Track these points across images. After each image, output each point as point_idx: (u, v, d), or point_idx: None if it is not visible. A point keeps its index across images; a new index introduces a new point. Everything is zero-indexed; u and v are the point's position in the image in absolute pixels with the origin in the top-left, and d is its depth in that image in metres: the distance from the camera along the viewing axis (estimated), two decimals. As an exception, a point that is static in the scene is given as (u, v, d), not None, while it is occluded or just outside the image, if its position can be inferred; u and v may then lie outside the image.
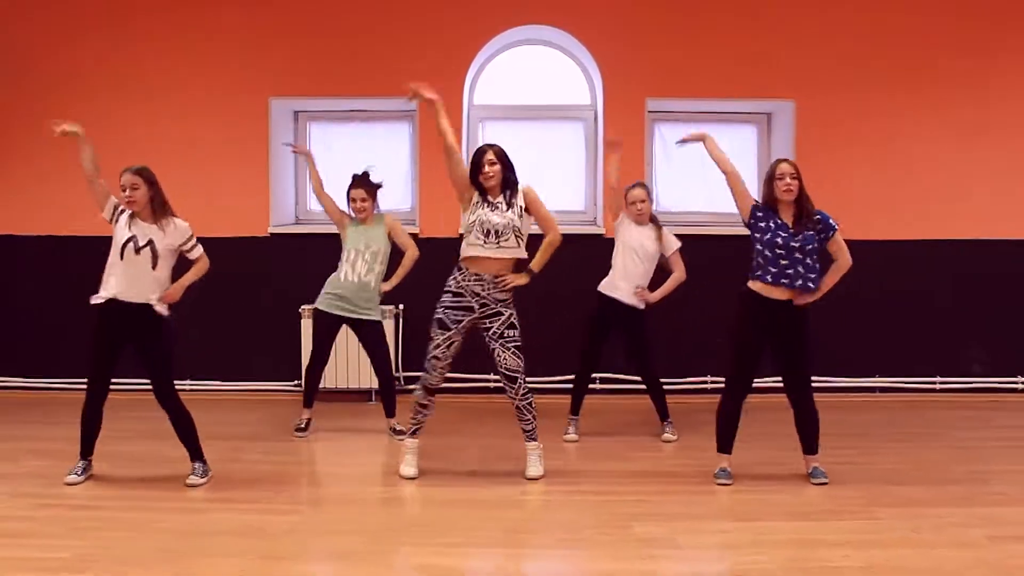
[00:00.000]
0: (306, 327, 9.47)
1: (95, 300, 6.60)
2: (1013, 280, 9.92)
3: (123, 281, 6.53)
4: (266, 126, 9.84)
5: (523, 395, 6.94)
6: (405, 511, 6.31)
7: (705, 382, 9.77)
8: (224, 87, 9.86)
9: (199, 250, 6.82)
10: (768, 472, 7.04)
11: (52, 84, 9.87)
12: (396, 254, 8.22)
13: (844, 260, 6.81)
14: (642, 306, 8.06)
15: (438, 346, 6.81)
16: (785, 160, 6.83)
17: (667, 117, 10.25)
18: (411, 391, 9.05)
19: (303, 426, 8.29)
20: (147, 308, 6.56)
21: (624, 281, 8.03)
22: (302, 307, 9.48)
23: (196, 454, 6.82)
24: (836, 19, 9.83)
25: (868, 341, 9.87)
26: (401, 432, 8.03)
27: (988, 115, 9.88)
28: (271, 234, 9.78)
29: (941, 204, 9.84)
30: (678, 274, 8.10)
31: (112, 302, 6.54)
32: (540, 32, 10.05)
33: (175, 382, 6.79)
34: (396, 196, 9.78)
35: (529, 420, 7.01)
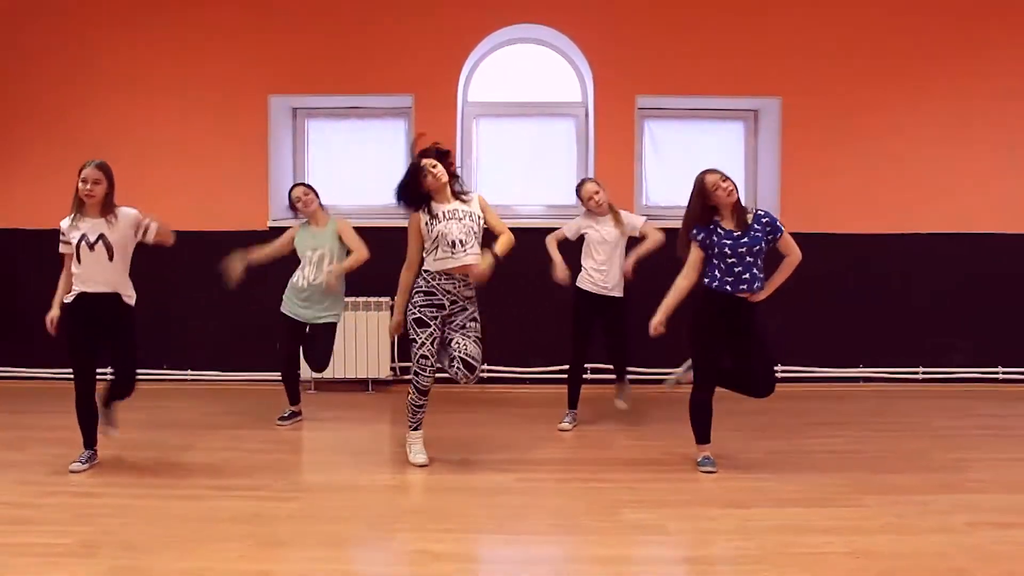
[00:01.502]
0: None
1: (66, 300, 6.64)
2: (993, 273, 9.95)
3: (87, 277, 6.57)
4: (265, 123, 9.85)
5: (476, 381, 6.97)
6: (401, 498, 6.30)
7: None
8: (224, 85, 9.87)
9: (155, 225, 6.72)
10: (754, 460, 7.04)
11: (55, 81, 9.90)
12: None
13: (795, 256, 6.73)
14: (621, 294, 8.07)
15: (423, 344, 6.78)
16: (710, 171, 6.73)
17: (656, 114, 10.26)
18: (408, 381, 9.10)
19: (286, 415, 8.34)
20: (115, 297, 6.61)
21: (598, 274, 8.03)
22: (300, 299, 9.50)
23: (110, 405, 6.93)
24: (822, 18, 9.85)
25: (852, 333, 9.89)
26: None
27: (971, 112, 9.90)
28: (270, 228, 9.75)
29: (924, 199, 9.86)
30: (654, 238, 8.07)
31: (81, 297, 6.58)
32: (533, 31, 10.05)
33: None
34: (387, 191, 9.77)
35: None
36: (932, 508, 5.94)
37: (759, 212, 6.73)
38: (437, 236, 6.72)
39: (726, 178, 6.64)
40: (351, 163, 10.19)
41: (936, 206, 9.88)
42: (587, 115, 10.16)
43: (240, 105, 9.84)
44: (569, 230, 8.21)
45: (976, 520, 5.70)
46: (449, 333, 6.84)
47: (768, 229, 6.66)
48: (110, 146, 9.77)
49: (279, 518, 5.79)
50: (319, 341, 8.21)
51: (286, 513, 5.89)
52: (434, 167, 6.73)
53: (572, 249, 8.20)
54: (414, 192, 6.78)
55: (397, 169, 9.45)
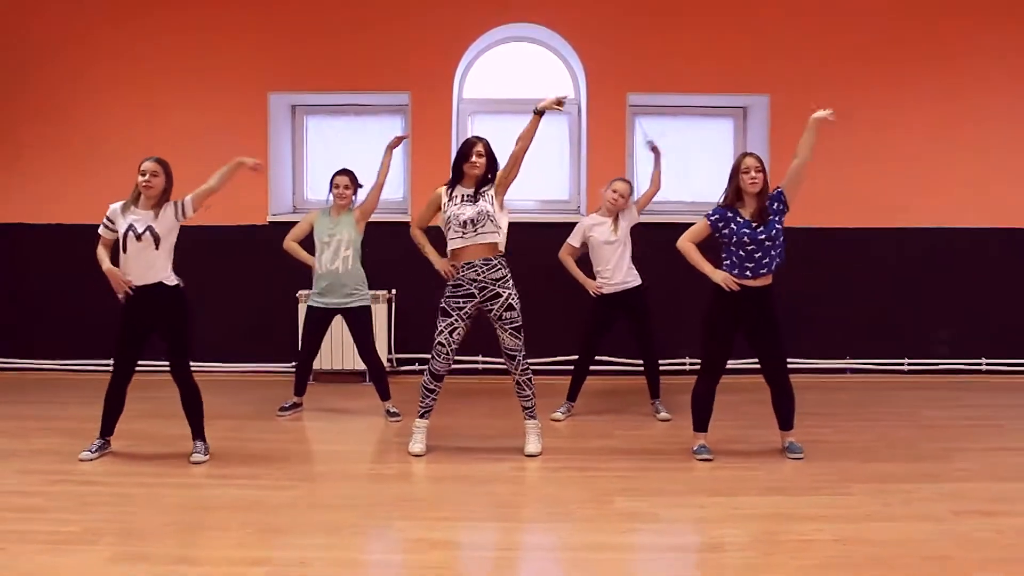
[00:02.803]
0: (303, 311, 9.47)
1: (127, 287, 6.62)
2: (978, 267, 9.94)
3: (133, 269, 6.56)
4: (265, 119, 9.83)
5: (522, 371, 7.00)
6: (398, 487, 6.30)
7: (684, 364, 9.79)
8: (225, 82, 9.84)
9: (188, 198, 6.76)
10: (744, 449, 7.06)
11: (58, 79, 9.88)
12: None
13: (803, 154, 6.77)
14: (639, 282, 8.11)
15: (441, 332, 6.84)
16: (750, 154, 6.79)
17: (647, 111, 10.24)
18: (404, 372, 9.10)
19: (287, 405, 8.32)
20: (161, 286, 6.61)
21: (610, 274, 8.06)
22: (299, 292, 9.48)
23: (199, 432, 6.83)
24: (810, 16, 9.83)
25: (839, 325, 9.90)
26: (396, 414, 8.08)
27: (957, 110, 9.88)
28: (270, 222, 9.77)
29: (910, 194, 9.85)
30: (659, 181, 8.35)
31: (134, 289, 6.59)
32: (526, 30, 10.03)
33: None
34: (389, 186, 9.76)
35: (528, 396, 7.06)
36: (918, 496, 5.95)
37: (770, 195, 6.73)
38: (449, 218, 6.82)
39: (760, 168, 6.66)
40: (349, 159, 10.13)
41: (922, 201, 9.87)
42: (579, 112, 10.14)
43: (240, 102, 9.81)
44: (575, 239, 8.24)
45: (961, 508, 5.71)
46: (492, 323, 6.90)
47: (776, 206, 6.68)
48: (110, 143, 9.78)
49: (278, 506, 5.79)
50: (359, 330, 8.17)
51: (285, 501, 5.89)
52: (480, 156, 6.90)
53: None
54: (456, 165, 7.01)
55: (393, 164, 9.47)
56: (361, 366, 9.25)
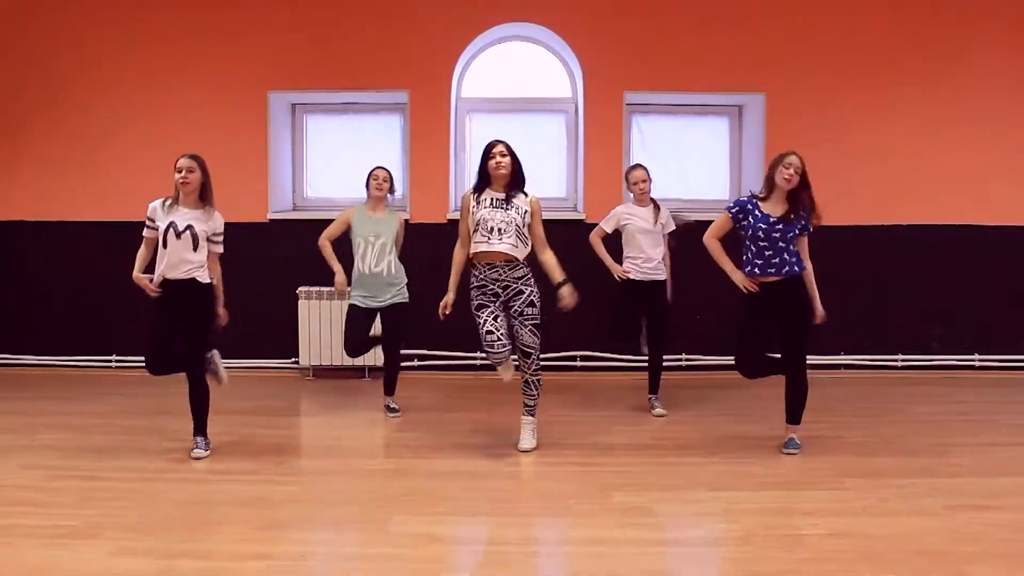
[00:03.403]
0: (303, 308, 9.49)
1: (154, 289, 6.70)
2: (971, 263, 9.95)
3: (169, 264, 6.65)
4: (265, 118, 9.82)
5: (534, 370, 6.95)
6: (397, 482, 6.29)
7: (680, 360, 9.80)
8: (225, 82, 9.83)
9: (221, 247, 6.95)
10: (741, 445, 7.06)
11: (57, 79, 9.87)
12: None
13: (806, 265, 6.87)
14: (665, 276, 8.12)
15: (485, 322, 6.71)
16: (795, 153, 6.72)
17: (644, 109, 10.24)
18: (403, 368, 9.09)
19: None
20: (192, 281, 6.70)
21: (643, 263, 8.06)
22: (299, 288, 9.49)
23: (201, 428, 6.83)
24: (806, 15, 9.82)
25: (834, 321, 9.84)
26: (395, 410, 8.11)
27: (952, 108, 9.88)
28: (270, 220, 9.77)
29: (904, 191, 9.86)
30: (668, 251, 8.23)
31: (164, 284, 6.67)
32: (524, 29, 10.02)
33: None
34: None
35: (533, 396, 7.05)
36: (912, 491, 5.95)
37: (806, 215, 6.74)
38: (479, 221, 6.77)
39: (800, 170, 6.66)
40: (348, 158, 10.15)
41: (916, 198, 9.88)
42: (577, 111, 10.14)
43: (240, 101, 9.80)
44: (608, 224, 8.23)
45: (954, 503, 5.72)
46: (511, 319, 6.84)
47: (804, 223, 6.72)
48: (111, 142, 9.80)
49: (279, 501, 5.79)
50: (395, 325, 8.12)
51: (286, 496, 5.89)
52: (503, 155, 6.83)
53: (584, 237, 8.36)
54: (480, 169, 6.91)
55: (392, 163, 9.47)
56: (360, 361, 9.25)
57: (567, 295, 6.76)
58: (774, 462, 6.64)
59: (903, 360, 10.01)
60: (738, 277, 6.73)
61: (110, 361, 9.84)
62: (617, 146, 9.79)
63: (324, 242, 8.13)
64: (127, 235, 9.38)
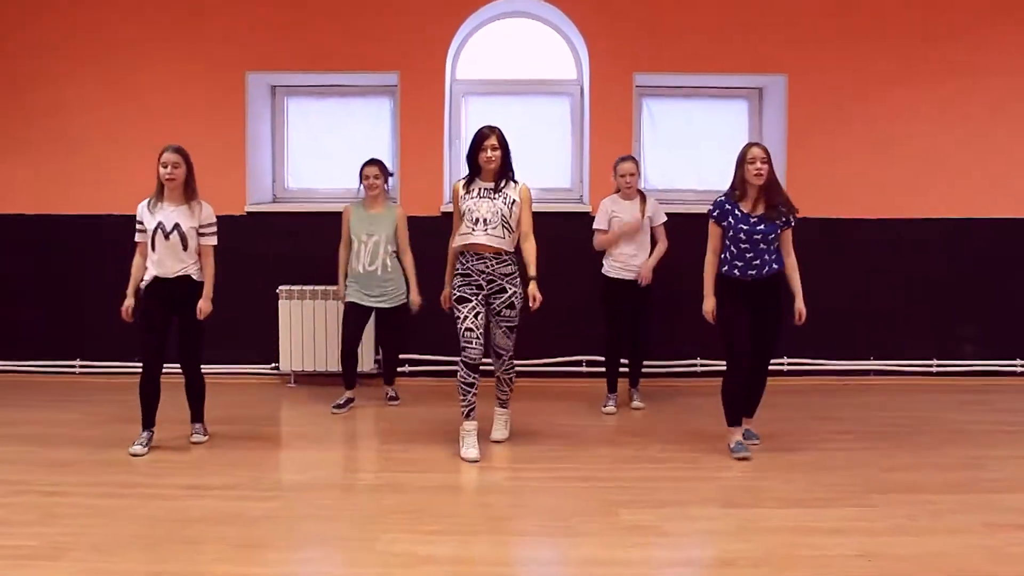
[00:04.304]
0: (284, 309, 9.48)
1: (142, 285, 7.05)
2: (1011, 260, 9.94)
3: (161, 263, 6.96)
4: (242, 101, 9.78)
5: (505, 369, 7.39)
6: (385, 497, 6.29)
7: (695, 365, 9.80)
8: (199, 61, 9.78)
9: (214, 239, 7.19)
10: (757, 457, 7.03)
11: (29, 57, 9.80)
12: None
13: (790, 260, 7.08)
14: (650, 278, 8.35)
15: (466, 318, 7.04)
16: (757, 144, 7.00)
17: (655, 92, 10.23)
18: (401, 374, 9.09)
19: (341, 402, 8.59)
20: (188, 278, 7.02)
21: (626, 258, 8.33)
22: (279, 287, 9.49)
23: (199, 416, 7.42)
24: (831, -10, 9.82)
25: (861, 323, 9.88)
26: (395, 398, 8.58)
27: (987, 90, 9.86)
28: (248, 212, 9.74)
29: (937, 182, 9.83)
30: (661, 246, 8.46)
31: (155, 280, 6.97)
32: (524, 4, 10.00)
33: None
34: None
35: (505, 391, 7.60)
36: (946, 508, 5.94)
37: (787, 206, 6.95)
38: (465, 211, 7.07)
39: (766, 160, 6.84)
40: (333, 145, 10.15)
41: (949, 189, 9.85)
42: (582, 93, 10.12)
43: (215, 83, 9.75)
44: (601, 222, 8.47)
45: (993, 521, 5.71)
46: (490, 317, 7.19)
47: (784, 219, 6.89)
48: (78, 125, 9.75)
49: (256, 518, 5.79)
50: (391, 326, 8.57)
51: (264, 513, 5.89)
52: (494, 148, 7.08)
53: (590, 230, 8.58)
54: (471, 158, 7.21)
55: (382, 150, 9.47)
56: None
57: (532, 292, 7.02)
58: (794, 476, 6.62)
59: (937, 365, 9.99)
60: (708, 305, 7.06)
61: (74, 366, 9.81)
62: (626, 132, 9.76)
63: (341, 252, 8.53)
64: (93, 229, 9.43)
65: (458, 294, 7.10)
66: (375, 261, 8.19)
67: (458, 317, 7.05)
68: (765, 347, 6.99)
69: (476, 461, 6.99)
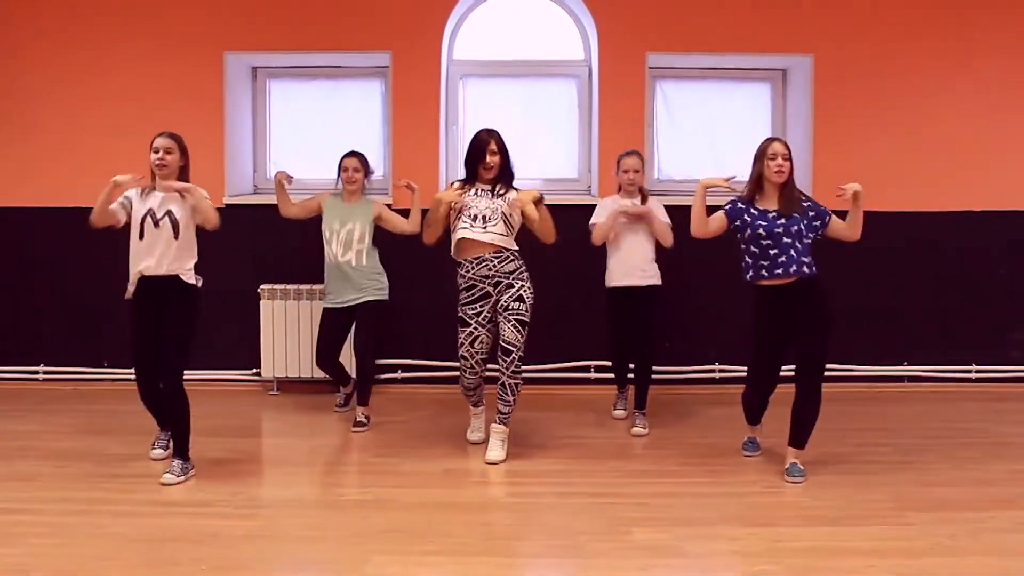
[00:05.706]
0: (266, 310, 9.47)
1: (130, 287, 6.92)
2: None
3: (148, 258, 6.82)
4: (221, 84, 9.77)
5: (513, 371, 7.25)
6: (376, 516, 6.28)
7: (713, 371, 9.79)
8: (172, 38, 9.78)
9: (210, 201, 7.00)
10: (782, 471, 7.01)
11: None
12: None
13: (854, 235, 6.98)
14: (658, 282, 8.26)
15: (462, 344, 7.35)
16: (778, 139, 6.96)
17: (670, 74, 10.24)
18: (381, 381, 9.09)
19: (342, 402, 8.87)
20: (177, 279, 6.87)
21: (629, 262, 8.18)
22: (261, 287, 9.47)
23: (181, 451, 6.90)
24: (860, -36, 9.80)
25: (895, 326, 9.86)
26: (362, 424, 8.28)
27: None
28: (227, 204, 9.67)
29: (974, 170, 9.82)
30: (666, 241, 8.29)
31: (142, 282, 6.86)
32: (528, -22, 10.02)
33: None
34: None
35: (508, 401, 7.35)
36: (987, 527, 5.93)
37: (806, 199, 6.94)
38: (461, 208, 7.24)
39: (787, 157, 6.83)
40: (320, 130, 10.14)
41: (987, 178, 9.85)
42: (590, 75, 10.13)
43: (191, 64, 9.75)
44: (599, 216, 8.36)
45: (1039, 541, 5.70)
46: (497, 315, 7.31)
47: (812, 214, 6.85)
48: (48, 108, 9.73)
49: (236, 538, 5.77)
50: (363, 326, 8.35)
51: (244, 533, 5.87)
52: (493, 154, 7.31)
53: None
54: (469, 160, 7.42)
55: (372, 136, 9.45)
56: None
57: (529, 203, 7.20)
58: (823, 492, 6.61)
59: (978, 371, 9.99)
60: (705, 181, 7.04)
61: (36, 373, 9.78)
62: (638, 117, 9.75)
63: (289, 207, 8.62)
64: (61, 223, 9.39)
65: (459, 313, 7.33)
66: (348, 252, 8.16)
67: (459, 339, 7.37)
68: (808, 368, 6.82)
69: (478, 443, 7.63)
